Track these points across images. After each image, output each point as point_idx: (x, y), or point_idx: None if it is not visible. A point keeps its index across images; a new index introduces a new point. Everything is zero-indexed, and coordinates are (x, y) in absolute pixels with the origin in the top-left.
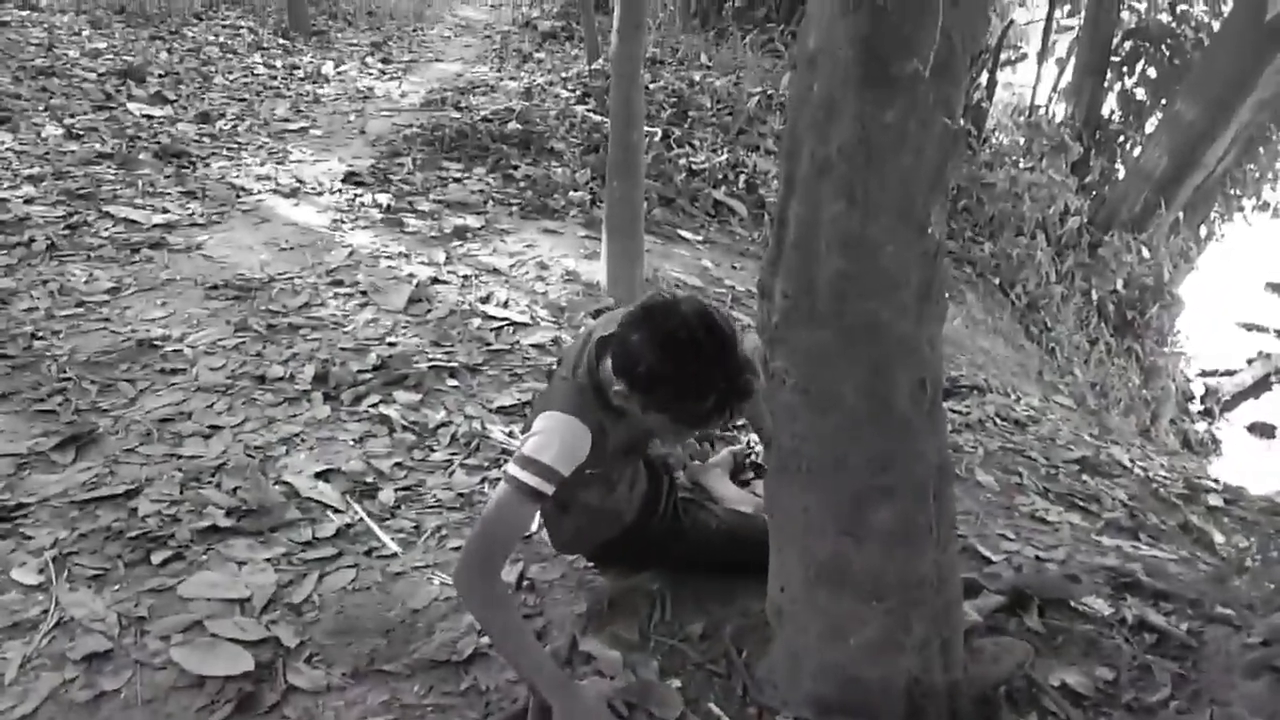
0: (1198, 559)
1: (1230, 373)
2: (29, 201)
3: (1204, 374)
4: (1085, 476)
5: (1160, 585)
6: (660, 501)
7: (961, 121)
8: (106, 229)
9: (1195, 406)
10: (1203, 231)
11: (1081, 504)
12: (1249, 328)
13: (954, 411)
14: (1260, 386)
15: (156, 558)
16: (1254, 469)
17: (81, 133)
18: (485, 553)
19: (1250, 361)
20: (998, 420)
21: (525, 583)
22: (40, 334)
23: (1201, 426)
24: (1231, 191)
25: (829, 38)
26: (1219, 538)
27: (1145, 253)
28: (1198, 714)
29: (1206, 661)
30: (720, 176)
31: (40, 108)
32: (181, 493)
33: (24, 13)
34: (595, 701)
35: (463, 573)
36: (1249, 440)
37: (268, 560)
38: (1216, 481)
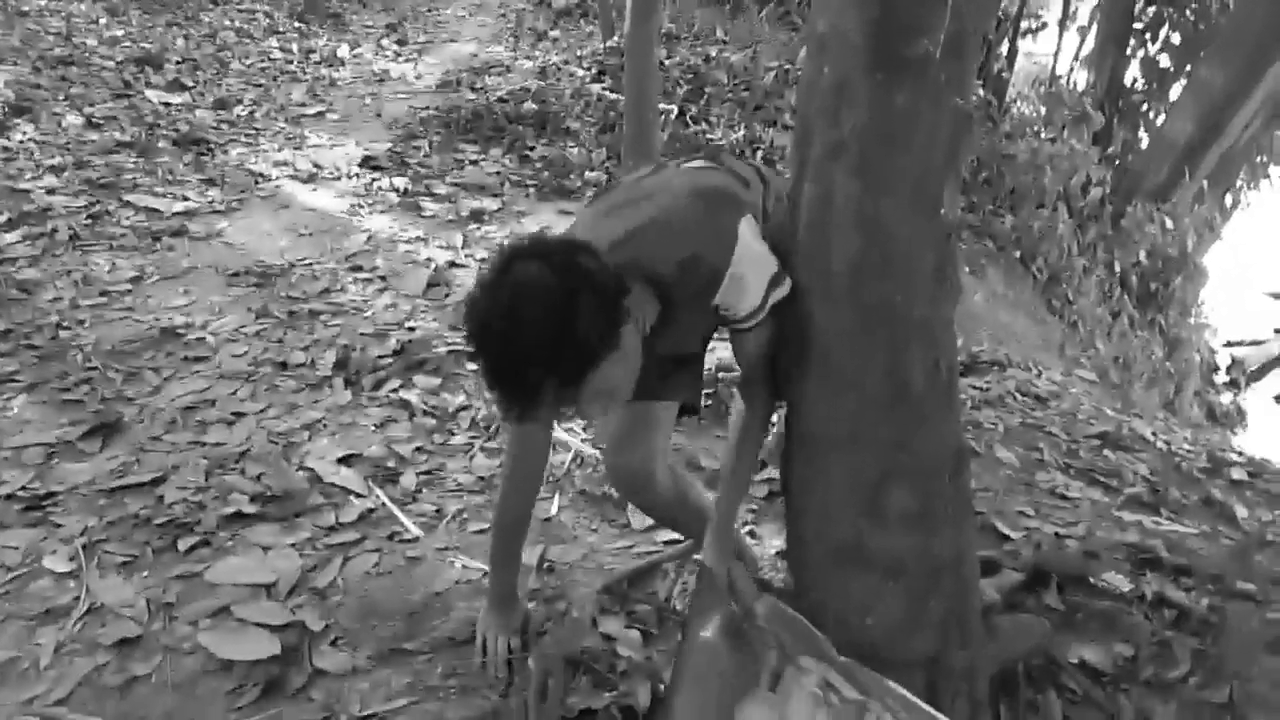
0: (1220, 534)
1: (1257, 343)
2: (51, 192)
3: (1229, 344)
4: (1106, 451)
5: (1181, 561)
6: None
7: (975, 98)
8: (128, 218)
9: (1220, 378)
10: (1228, 200)
11: (1102, 479)
12: (1276, 296)
13: (974, 387)
14: None
15: (183, 544)
16: None
17: (101, 121)
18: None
19: (1277, 331)
20: (1018, 395)
21: (545, 564)
22: (65, 324)
23: (1227, 398)
24: (1258, 159)
25: (838, 21)
26: (1242, 512)
27: (1169, 223)
28: (1218, 690)
29: (1227, 637)
30: (737, 152)
31: (60, 97)
32: (207, 480)
33: (42, 2)
34: (500, 626)
35: None
36: (1277, 410)
37: (292, 545)
38: (1240, 454)
